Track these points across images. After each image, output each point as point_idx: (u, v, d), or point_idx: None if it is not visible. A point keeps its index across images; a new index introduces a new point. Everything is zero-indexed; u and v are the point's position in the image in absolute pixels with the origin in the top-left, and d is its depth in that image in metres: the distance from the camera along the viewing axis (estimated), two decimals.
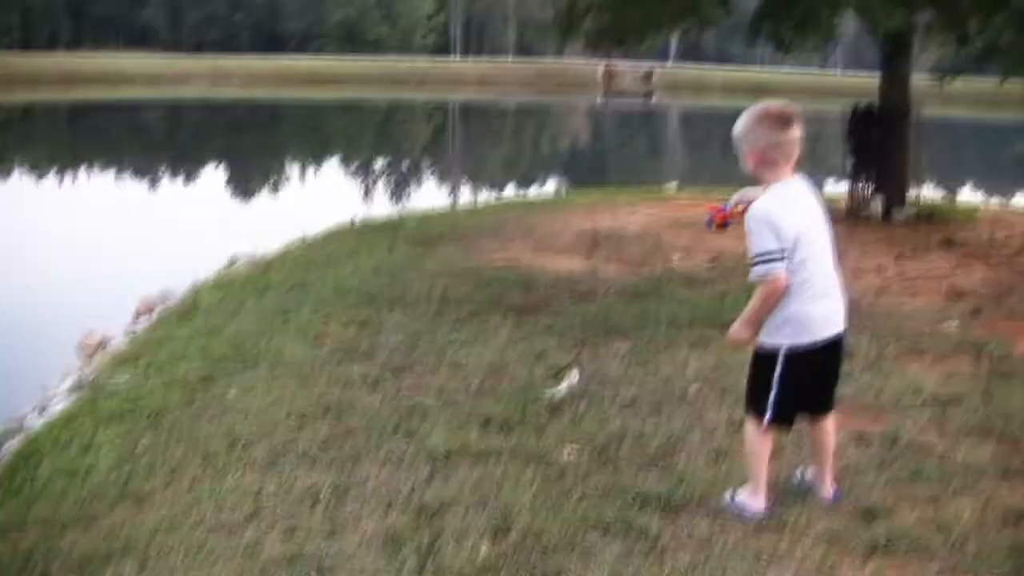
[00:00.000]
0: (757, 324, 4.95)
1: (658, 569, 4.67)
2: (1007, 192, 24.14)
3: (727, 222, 5.38)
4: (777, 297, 4.81)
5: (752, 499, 5.06)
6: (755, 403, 5.08)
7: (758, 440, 5.08)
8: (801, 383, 4.96)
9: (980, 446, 5.94)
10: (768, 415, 4.97)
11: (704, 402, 6.56)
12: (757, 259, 4.79)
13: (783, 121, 4.79)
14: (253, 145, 41.90)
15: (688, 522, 5.04)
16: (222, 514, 5.21)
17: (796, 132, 4.79)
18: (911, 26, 13.92)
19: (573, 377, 5.81)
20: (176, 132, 48.92)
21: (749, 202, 5.00)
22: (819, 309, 4.90)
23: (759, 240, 4.77)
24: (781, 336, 4.88)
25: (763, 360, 5.02)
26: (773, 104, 4.88)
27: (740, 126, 4.86)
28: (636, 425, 6.15)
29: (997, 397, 6.70)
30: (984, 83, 17.62)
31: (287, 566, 4.74)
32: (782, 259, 4.75)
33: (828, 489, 5.21)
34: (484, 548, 4.82)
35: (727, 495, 5.15)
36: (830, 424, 5.20)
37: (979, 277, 10.81)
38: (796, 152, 4.82)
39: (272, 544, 4.92)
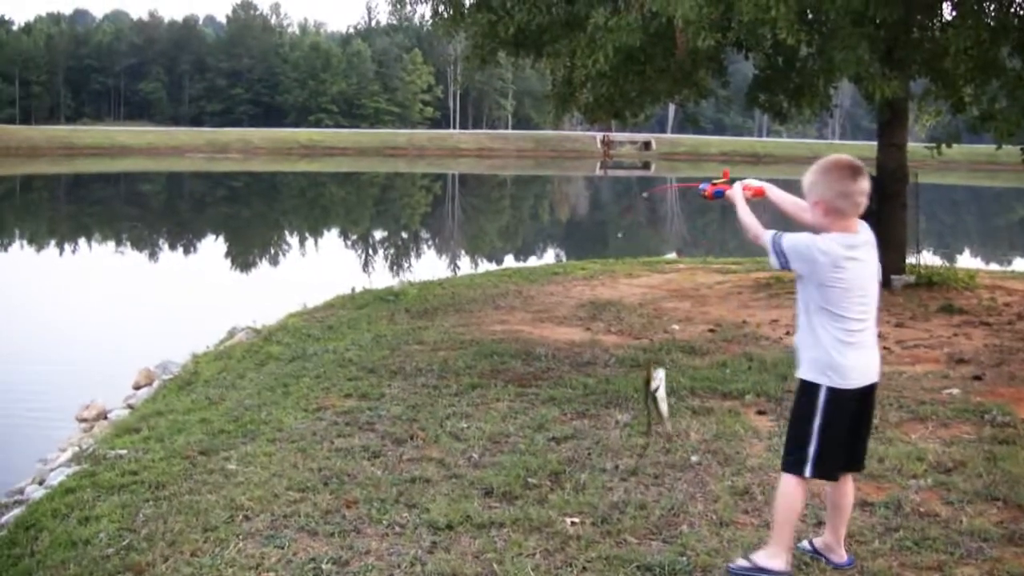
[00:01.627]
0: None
1: None
2: (1005, 257, 24.20)
3: (719, 191, 5.45)
4: (754, 236, 5.05)
5: (775, 561, 5.00)
6: (794, 453, 5.00)
7: (793, 495, 5.01)
8: (839, 433, 4.94)
9: (985, 512, 5.91)
10: (809, 467, 4.93)
11: (706, 471, 6.54)
12: (777, 249, 4.91)
13: (853, 172, 4.84)
14: (252, 215, 42.09)
15: None
16: None
17: (865, 184, 4.83)
18: (906, 94, 14.02)
19: (659, 373, 5.72)
20: (175, 202, 49.16)
21: (742, 179, 5.17)
22: (862, 359, 4.91)
23: (792, 246, 4.86)
24: (825, 377, 4.89)
25: (804, 401, 4.99)
26: (843, 156, 4.95)
27: (809, 176, 4.91)
28: (638, 495, 6.11)
29: (1000, 463, 6.68)
30: (979, 149, 17.74)
31: None
32: (782, 268, 4.96)
33: (842, 554, 5.17)
34: None
35: (740, 561, 5.09)
36: (851, 485, 5.17)
37: (980, 343, 10.80)
38: (863, 204, 4.86)
39: None
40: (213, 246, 32.25)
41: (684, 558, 5.32)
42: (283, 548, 5.46)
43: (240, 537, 5.59)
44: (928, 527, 5.71)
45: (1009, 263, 23.04)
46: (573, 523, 5.73)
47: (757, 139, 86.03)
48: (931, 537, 5.58)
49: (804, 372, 4.92)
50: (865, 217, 4.88)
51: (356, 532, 5.65)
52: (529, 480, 6.30)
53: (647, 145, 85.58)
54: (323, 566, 5.28)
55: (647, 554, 5.38)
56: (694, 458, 6.76)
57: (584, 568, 5.25)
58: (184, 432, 7.56)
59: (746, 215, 5.14)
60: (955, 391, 8.60)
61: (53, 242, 31.74)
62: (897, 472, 6.46)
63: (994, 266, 21.84)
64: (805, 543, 5.31)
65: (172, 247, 31.96)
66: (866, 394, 4.97)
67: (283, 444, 7.09)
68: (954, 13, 13.29)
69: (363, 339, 10.92)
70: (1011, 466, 6.62)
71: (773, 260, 4.90)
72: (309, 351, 10.46)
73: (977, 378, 9.11)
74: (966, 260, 24.54)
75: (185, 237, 33.90)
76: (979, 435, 7.34)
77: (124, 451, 7.23)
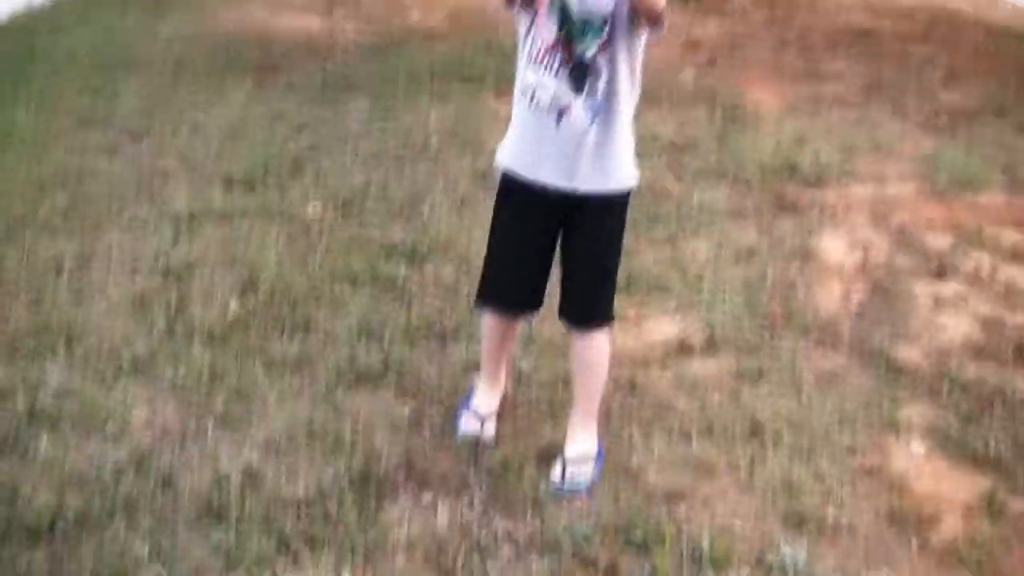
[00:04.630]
0: None
1: (406, 313, 4.82)
2: None
3: None
4: None
5: None
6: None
7: None
8: None
9: (714, 189, 6.19)
10: None
11: (447, 153, 6.63)
12: None
13: None
14: None
15: (434, 270, 5.18)
16: None
17: None
18: None
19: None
20: None
21: None
22: None
23: None
24: None
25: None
26: None
27: None
28: (379, 178, 6.18)
29: (729, 141, 6.96)
30: None
31: (35, 336, 4.69)
32: None
33: None
34: (233, 305, 4.86)
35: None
36: None
37: (714, 30, 11.01)
38: None
39: (18, 317, 4.85)
40: None
41: (427, 237, 5.46)
42: (22, 248, 5.38)
43: None
44: (661, 204, 5.95)
45: None
46: (315, 209, 5.80)
47: None
48: (664, 213, 5.84)
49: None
50: None
51: (97, 229, 5.59)
52: (270, 168, 6.30)
53: None
54: (65, 263, 5.24)
55: (390, 235, 5.50)
56: (434, 139, 6.83)
57: (328, 251, 5.35)
58: None
59: None
60: (689, 76, 8.81)
61: None
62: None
63: None
64: None
65: None
66: None
67: (15, 143, 6.88)
68: None
69: (95, 36, 10.51)
70: (739, 145, 6.91)
71: None
72: (38, 48, 10.03)
73: (710, 62, 9.33)
74: None
75: None
76: (711, 117, 7.59)
77: None
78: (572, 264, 3.75)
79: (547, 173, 3.57)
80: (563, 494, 3.68)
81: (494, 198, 3.83)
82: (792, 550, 3.41)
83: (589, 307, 3.77)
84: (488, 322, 4.01)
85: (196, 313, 4.79)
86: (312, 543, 3.45)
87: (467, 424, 4.00)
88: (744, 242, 5.54)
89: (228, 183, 6.11)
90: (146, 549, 3.40)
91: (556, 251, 3.77)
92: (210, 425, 4.04)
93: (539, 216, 3.69)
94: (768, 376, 4.39)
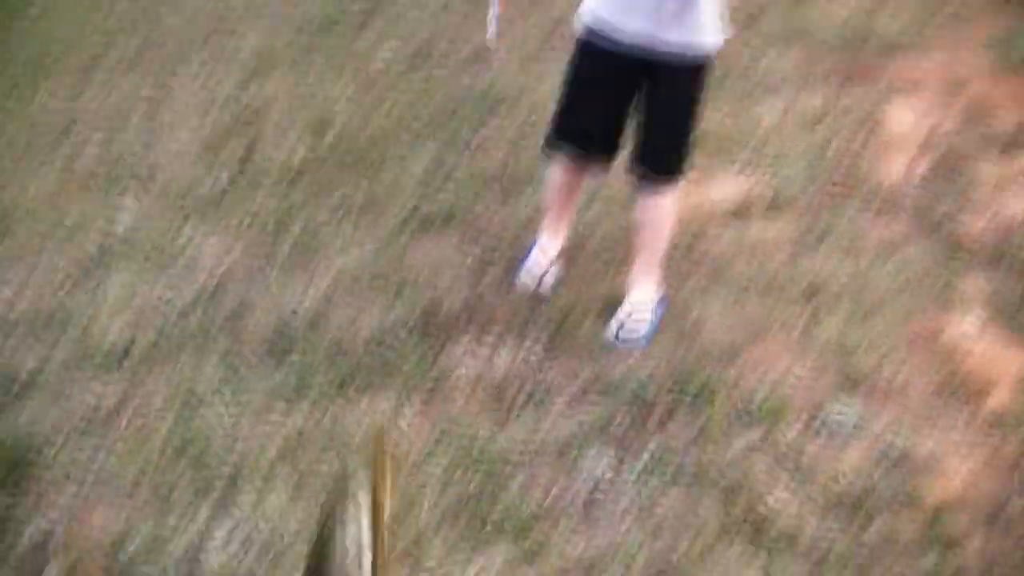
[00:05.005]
0: None
1: (473, 163, 4.87)
2: None
3: None
4: None
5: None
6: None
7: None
8: None
9: (784, 54, 6.13)
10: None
11: (517, 6, 6.56)
12: None
13: None
14: None
15: (501, 122, 5.20)
16: (36, 132, 5.19)
17: None
18: None
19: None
20: None
21: None
22: None
23: None
24: None
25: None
26: None
27: None
28: (450, 29, 6.13)
29: (802, 9, 6.86)
30: None
31: (107, 174, 4.79)
32: None
33: None
34: (302, 149, 4.93)
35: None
36: None
37: None
38: None
39: (89, 156, 4.94)
40: None
41: (495, 89, 5.47)
42: (93, 91, 5.44)
43: (48, 83, 5.54)
44: (730, 66, 5.92)
45: None
46: (388, 53, 5.80)
47: None
48: (733, 76, 5.80)
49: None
50: None
51: (168, 72, 5.64)
52: (341, 14, 6.28)
53: None
54: (137, 105, 5.32)
55: (459, 87, 5.52)
56: None
57: (398, 100, 5.37)
58: None
59: None
60: None
61: None
62: None
63: None
64: None
65: None
66: None
67: None
68: None
69: None
70: (811, 11, 6.81)
71: None
72: None
73: None
74: None
75: None
76: None
77: None
78: (647, 120, 3.72)
79: (633, 24, 3.54)
80: (621, 344, 3.75)
81: (566, 52, 3.82)
82: (844, 409, 3.46)
83: (660, 161, 3.77)
84: (554, 170, 4.03)
85: (266, 156, 4.86)
86: (374, 382, 3.55)
87: (529, 273, 4.06)
88: (811, 109, 5.51)
89: (299, 28, 6.10)
90: (214, 381, 3.50)
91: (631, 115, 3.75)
92: (277, 265, 4.14)
93: (619, 69, 3.65)
94: (828, 241, 4.41)
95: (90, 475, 3.16)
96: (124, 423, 3.35)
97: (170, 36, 6.05)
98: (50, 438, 3.29)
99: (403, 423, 3.39)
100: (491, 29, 4.26)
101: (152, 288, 4.01)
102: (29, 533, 2.94)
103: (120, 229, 4.40)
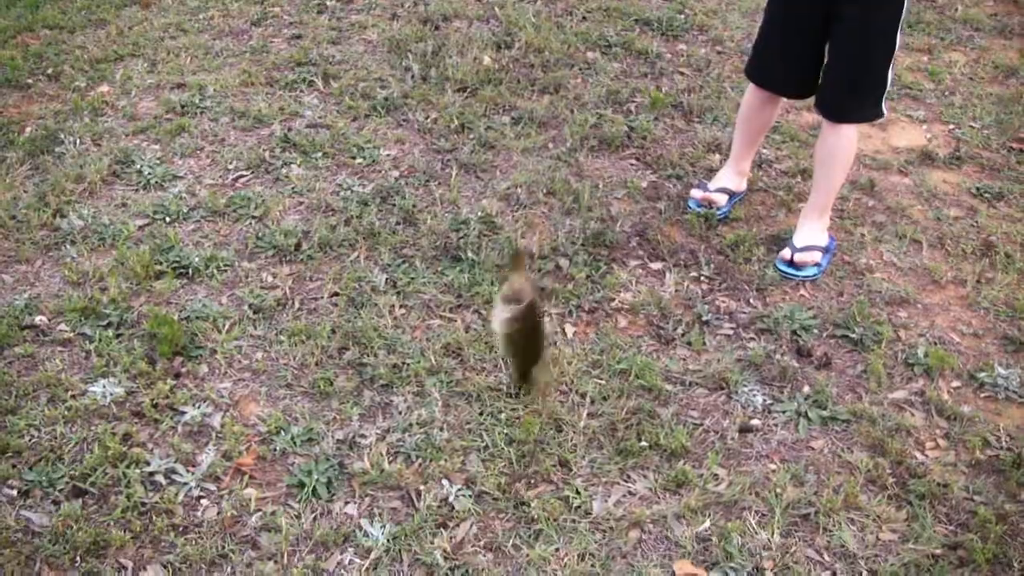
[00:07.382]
0: None
1: (655, 87, 4.86)
2: None
3: None
4: None
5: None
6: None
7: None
8: None
9: (980, 3, 5.99)
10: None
11: None
12: None
13: None
14: None
15: (686, 48, 5.18)
16: (229, 19, 5.31)
17: None
18: None
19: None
20: None
21: None
22: None
23: None
24: None
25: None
26: None
27: None
28: None
29: None
30: None
31: (294, 68, 4.89)
32: None
33: None
34: (487, 59, 4.97)
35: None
36: None
37: None
38: None
39: (278, 49, 5.05)
40: None
41: (682, 16, 5.45)
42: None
43: None
44: (923, 11, 5.81)
45: None
46: None
47: None
48: (925, 21, 5.70)
49: None
50: None
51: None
52: None
53: None
54: (328, 3, 5.44)
55: (647, 9, 5.50)
56: None
57: (584, 18, 5.39)
58: None
59: None
60: None
61: None
62: None
63: None
64: None
65: None
66: None
67: None
68: None
69: None
70: None
71: None
72: None
73: None
74: None
75: None
76: None
77: None
78: (835, 56, 3.67)
79: None
80: (788, 280, 3.74)
81: None
82: (1006, 372, 3.41)
83: (844, 100, 3.72)
84: (748, 96, 4.00)
85: (450, 62, 4.92)
86: (540, 295, 3.57)
87: (703, 201, 4.05)
88: (1004, 61, 5.38)
89: None
90: (383, 278, 3.57)
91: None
92: (454, 170, 4.20)
93: (812, 4, 3.62)
94: (1008, 198, 4.32)
95: (253, 364, 3.25)
96: (290, 315, 3.44)
97: None
98: (218, 323, 3.38)
99: (568, 333, 3.42)
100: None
101: (330, 182, 4.11)
102: (189, 416, 3.02)
103: (302, 124, 4.50)
